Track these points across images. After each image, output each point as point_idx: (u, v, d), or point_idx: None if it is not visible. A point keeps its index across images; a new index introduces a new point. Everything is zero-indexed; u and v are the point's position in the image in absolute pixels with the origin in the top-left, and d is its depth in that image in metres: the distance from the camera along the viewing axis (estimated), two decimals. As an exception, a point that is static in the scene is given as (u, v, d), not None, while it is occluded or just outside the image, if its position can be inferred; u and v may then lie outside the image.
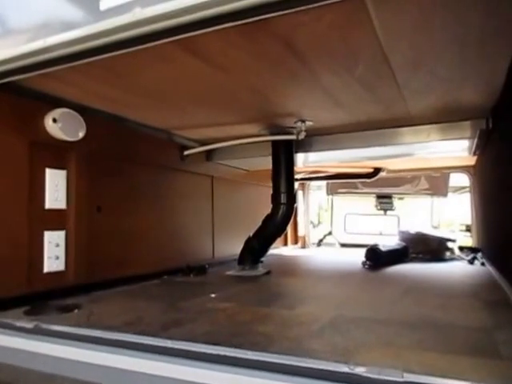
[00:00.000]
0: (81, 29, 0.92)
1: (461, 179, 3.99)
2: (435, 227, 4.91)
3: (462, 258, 2.77)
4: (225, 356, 0.83)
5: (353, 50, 1.19)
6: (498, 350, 0.91)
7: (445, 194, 4.00)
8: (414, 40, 1.12)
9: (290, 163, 2.23)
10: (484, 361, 0.86)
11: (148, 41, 0.93)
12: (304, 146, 2.25)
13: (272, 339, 0.99)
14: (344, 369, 0.75)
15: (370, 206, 4.34)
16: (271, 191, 2.24)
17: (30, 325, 1.06)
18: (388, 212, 4.28)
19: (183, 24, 0.87)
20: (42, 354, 0.96)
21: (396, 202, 4.32)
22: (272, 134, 2.14)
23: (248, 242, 2.25)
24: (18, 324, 1.08)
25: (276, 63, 1.28)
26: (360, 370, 0.74)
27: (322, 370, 0.77)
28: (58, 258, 1.50)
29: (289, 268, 2.62)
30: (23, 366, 0.97)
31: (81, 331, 1.00)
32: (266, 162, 2.30)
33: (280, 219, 2.20)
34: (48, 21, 0.99)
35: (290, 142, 2.18)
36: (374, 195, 4.21)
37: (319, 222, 5.84)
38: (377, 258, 2.45)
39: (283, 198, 2.19)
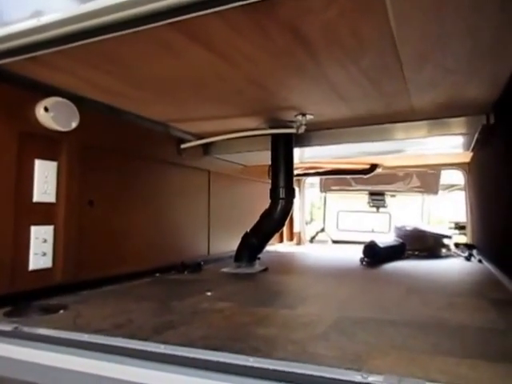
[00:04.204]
0: (79, 6, 0.87)
1: (451, 177, 3.99)
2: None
3: (459, 255, 2.77)
4: (224, 363, 0.76)
5: (363, 39, 1.12)
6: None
7: (435, 192, 4.03)
8: (427, 30, 1.07)
9: (290, 157, 2.17)
10: (508, 366, 0.80)
11: (147, 22, 0.89)
12: (302, 140, 2.20)
13: (275, 343, 0.93)
14: (357, 377, 0.69)
15: (363, 203, 4.33)
16: (268, 187, 2.19)
17: (8, 327, 0.98)
18: (380, 209, 4.27)
19: (182, 4, 0.83)
20: (22, 361, 0.88)
21: (388, 199, 4.32)
22: (271, 127, 2.09)
23: (245, 238, 2.19)
24: (-5, 327, 0.99)
25: (282, 53, 1.22)
26: (375, 379, 0.68)
27: (331, 378, 0.71)
28: (45, 254, 1.42)
29: (286, 265, 2.57)
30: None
31: (65, 335, 0.92)
32: (262, 158, 2.26)
33: (279, 214, 2.14)
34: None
35: (289, 136, 2.12)
36: (367, 192, 4.21)
37: (312, 219, 5.85)
38: (375, 255, 2.42)
39: (282, 193, 2.13)
